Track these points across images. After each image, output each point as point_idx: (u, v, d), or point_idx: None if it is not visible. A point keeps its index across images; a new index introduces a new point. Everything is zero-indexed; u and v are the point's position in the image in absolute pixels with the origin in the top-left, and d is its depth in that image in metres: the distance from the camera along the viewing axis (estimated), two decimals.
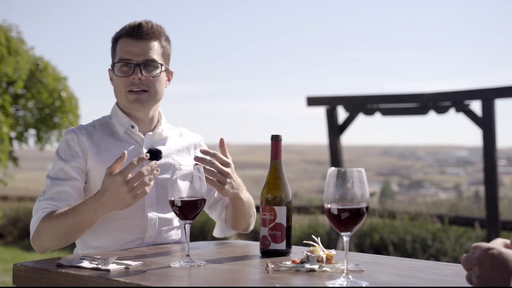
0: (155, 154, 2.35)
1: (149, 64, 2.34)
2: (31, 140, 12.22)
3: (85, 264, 1.91)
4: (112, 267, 1.86)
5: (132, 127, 2.38)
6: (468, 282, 1.51)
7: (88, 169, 2.31)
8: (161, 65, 2.37)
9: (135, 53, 2.32)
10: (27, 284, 1.92)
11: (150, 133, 2.41)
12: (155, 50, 2.35)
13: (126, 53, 2.33)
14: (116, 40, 2.38)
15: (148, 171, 2.09)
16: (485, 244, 1.50)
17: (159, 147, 2.40)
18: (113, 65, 2.38)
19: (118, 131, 2.39)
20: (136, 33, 2.33)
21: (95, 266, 1.88)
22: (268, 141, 2.19)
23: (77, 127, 2.37)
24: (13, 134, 11.78)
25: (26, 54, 11.48)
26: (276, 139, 2.16)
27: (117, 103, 2.44)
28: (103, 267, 1.85)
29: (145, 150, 2.36)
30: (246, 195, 2.36)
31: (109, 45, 2.42)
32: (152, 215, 2.33)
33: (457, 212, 9.07)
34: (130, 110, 2.39)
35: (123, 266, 1.88)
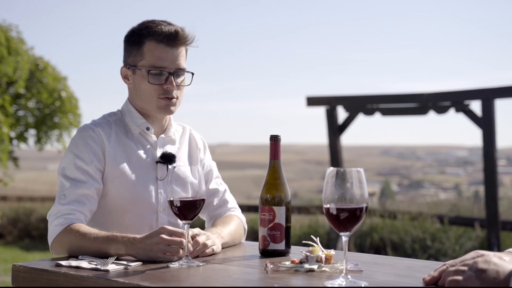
0: (169, 159, 2.35)
1: (181, 72, 2.34)
2: (31, 140, 12.23)
3: (84, 264, 1.91)
4: (111, 267, 1.86)
5: (148, 129, 2.37)
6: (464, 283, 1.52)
7: (104, 171, 2.28)
8: (192, 73, 2.37)
9: (169, 61, 2.29)
10: (26, 284, 1.92)
11: (163, 135, 2.41)
12: (183, 56, 2.34)
13: (159, 60, 2.28)
14: (141, 40, 2.30)
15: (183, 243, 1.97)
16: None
17: (172, 151, 2.39)
18: (134, 65, 2.31)
19: (132, 131, 2.37)
20: (172, 41, 2.29)
21: (94, 266, 1.88)
22: (268, 141, 2.19)
23: (94, 124, 2.31)
24: (13, 134, 11.78)
25: (26, 54, 11.47)
26: (275, 139, 2.16)
27: (130, 102, 2.40)
28: (102, 267, 1.85)
29: (158, 153, 2.36)
30: (227, 238, 2.27)
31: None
32: (164, 219, 2.34)
33: (457, 212, 9.08)
34: (155, 114, 2.36)
35: (122, 267, 1.88)
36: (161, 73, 2.29)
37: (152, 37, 2.29)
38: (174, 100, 2.33)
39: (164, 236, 1.95)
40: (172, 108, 2.33)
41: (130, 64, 2.34)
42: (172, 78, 2.30)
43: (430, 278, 1.64)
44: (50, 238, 2.16)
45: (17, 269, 1.94)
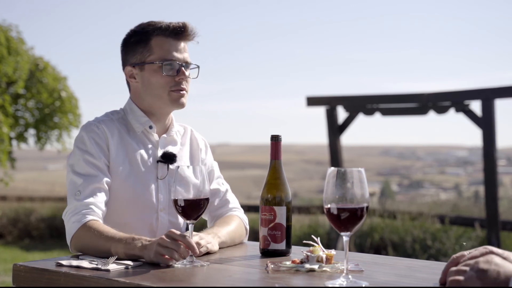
0: (170, 158, 2.36)
1: (189, 65, 2.37)
2: (31, 140, 12.22)
3: (85, 264, 1.91)
4: (112, 267, 1.86)
5: (150, 127, 2.38)
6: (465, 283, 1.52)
7: (109, 167, 2.29)
8: (198, 66, 2.39)
9: (179, 53, 2.33)
10: (27, 284, 1.92)
11: (165, 135, 2.42)
12: (187, 50, 2.38)
13: (169, 53, 2.31)
14: (147, 37, 2.32)
15: (183, 251, 1.91)
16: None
17: (173, 151, 2.40)
18: (143, 62, 2.33)
19: (135, 129, 2.38)
20: (180, 34, 2.33)
21: (95, 266, 1.88)
22: (268, 141, 2.19)
23: (98, 121, 2.32)
24: (13, 134, 11.77)
25: (26, 54, 11.47)
26: (275, 139, 2.16)
27: (133, 102, 2.40)
28: (103, 267, 1.85)
29: (159, 153, 2.37)
30: (224, 238, 2.25)
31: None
32: (164, 218, 2.34)
33: (457, 212, 9.08)
34: (167, 108, 2.36)
35: (123, 266, 1.88)
36: (172, 65, 2.32)
37: (159, 32, 2.32)
38: (184, 92, 2.35)
39: (164, 238, 1.91)
40: (183, 100, 2.35)
41: (136, 62, 2.35)
42: (183, 69, 2.33)
43: (441, 276, 1.64)
44: (69, 236, 2.15)
45: (18, 269, 1.94)
